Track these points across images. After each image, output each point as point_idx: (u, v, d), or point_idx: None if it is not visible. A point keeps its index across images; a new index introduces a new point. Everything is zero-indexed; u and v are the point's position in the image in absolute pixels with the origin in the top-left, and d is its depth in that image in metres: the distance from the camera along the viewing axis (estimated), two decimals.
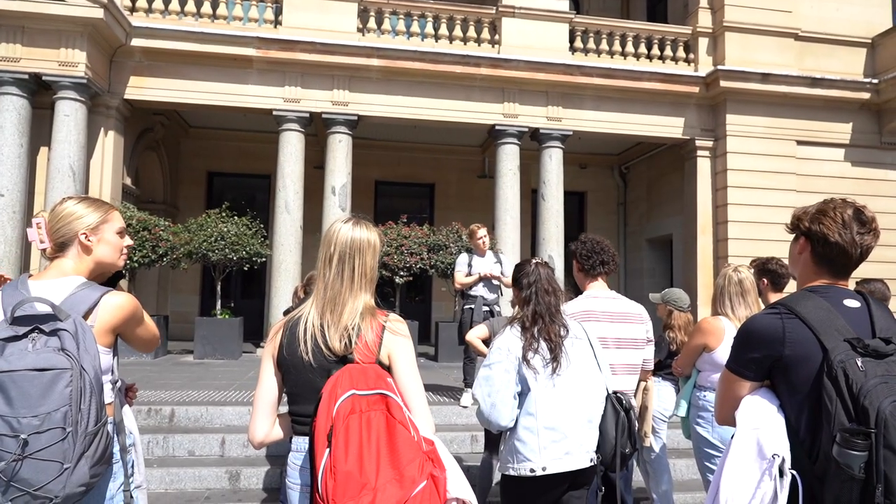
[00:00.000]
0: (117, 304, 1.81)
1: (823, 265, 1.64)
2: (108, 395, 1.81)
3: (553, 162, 10.79)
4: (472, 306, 6.23)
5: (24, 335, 1.63)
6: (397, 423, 1.55)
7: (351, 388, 1.56)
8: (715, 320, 3.23)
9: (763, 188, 10.73)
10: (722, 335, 3.15)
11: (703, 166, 11.11)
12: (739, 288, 3.22)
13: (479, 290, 6.33)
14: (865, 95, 10.96)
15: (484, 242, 6.35)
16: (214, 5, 9.99)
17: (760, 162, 10.79)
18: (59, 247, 1.85)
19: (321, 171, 10.56)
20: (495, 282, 6.34)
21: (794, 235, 1.73)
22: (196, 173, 13.30)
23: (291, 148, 10.08)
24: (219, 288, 9.73)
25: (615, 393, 2.47)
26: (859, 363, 1.42)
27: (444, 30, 10.55)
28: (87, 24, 8.65)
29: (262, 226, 9.85)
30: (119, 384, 1.91)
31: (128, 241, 2.01)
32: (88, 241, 1.88)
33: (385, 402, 1.58)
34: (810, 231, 1.65)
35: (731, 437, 1.59)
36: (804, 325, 1.51)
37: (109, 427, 1.78)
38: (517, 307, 2.65)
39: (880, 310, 1.57)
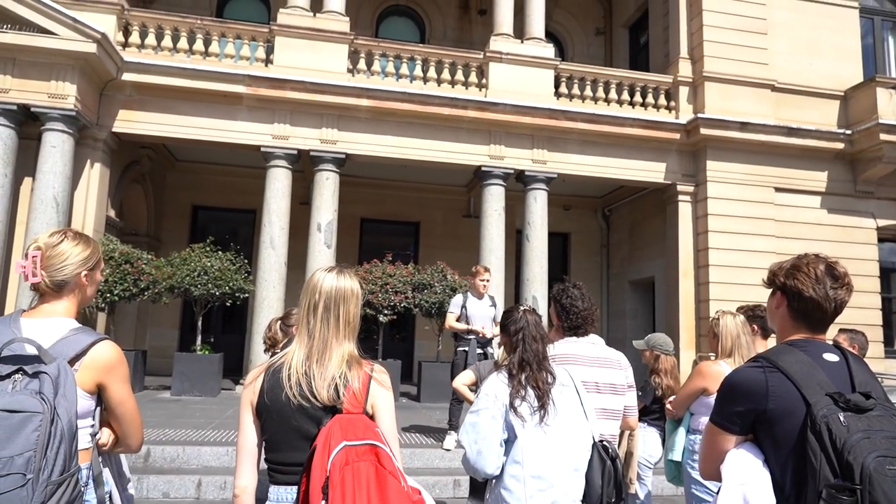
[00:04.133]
0: (106, 353, 1.78)
1: (800, 319, 1.68)
2: (86, 441, 1.76)
3: (538, 204, 10.93)
4: (466, 348, 6.17)
5: (7, 376, 1.60)
6: (388, 474, 1.56)
7: (343, 440, 1.56)
8: (715, 364, 3.27)
9: (743, 233, 10.95)
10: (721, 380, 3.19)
11: (685, 211, 11.32)
12: (748, 329, 3.30)
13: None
14: (840, 145, 11.31)
15: (485, 285, 6.35)
16: (207, 43, 10.12)
17: (740, 207, 11.03)
18: (57, 286, 1.81)
19: (307, 206, 10.58)
20: (488, 333, 6.27)
21: (771, 290, 1.77)
22: (181, 207, 13.25)
23: (279, 184, 10.11)
24: (199, 323, 9.61)
25: (601, 441, 2.47)
26: (842, 418, 1.43)
27: (432, 73, 10.77)
28: (80, 58, 8.72)
29: (245, 261, 9.80)
30: (98, 435, 1.84)
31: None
32: (85, 281, 1.87)
33: (375, 453, 1.58)
34: (785, 286, 1.69)
35: (717, 492, 1.60)
36: (787, 378, 1.53)
37: (84, 473, 1.73)
38: (503, 349, 2.66)
39: (858, 364, 1.61)
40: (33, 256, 1.78)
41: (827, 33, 11.87)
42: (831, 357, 1.61)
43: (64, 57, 8.67)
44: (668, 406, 3.60)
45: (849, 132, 11.29)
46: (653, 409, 4.49)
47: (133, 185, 11.73)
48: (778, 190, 11.27)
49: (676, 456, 3.45)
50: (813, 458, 1.43)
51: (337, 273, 1.85)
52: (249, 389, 1.77)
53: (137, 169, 11.51)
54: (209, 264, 9.13)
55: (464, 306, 6.35)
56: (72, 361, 1.70)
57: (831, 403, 1.46)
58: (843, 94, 11.65)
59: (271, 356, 4.87)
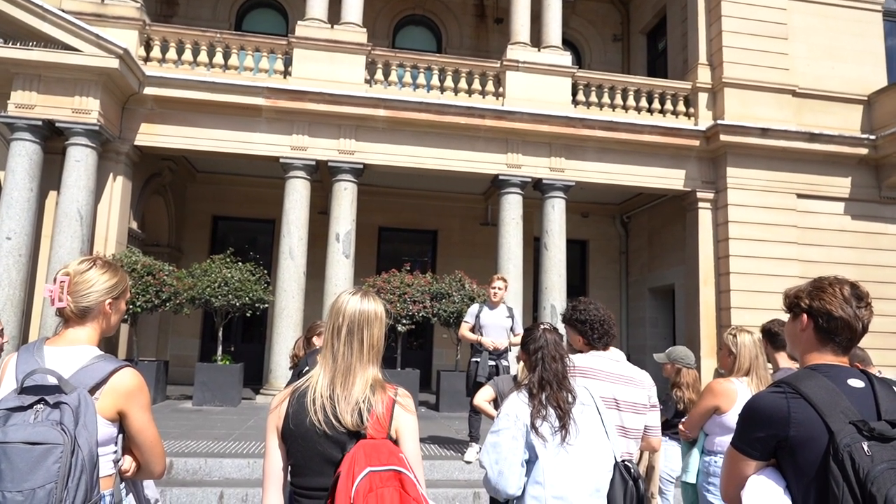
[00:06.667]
0: (126, 380, 1.79)
1: (827, 342, 1.64)
2: (108, 468, 1.77)
3: (556, 212, 10.89)
4: (479, 360, 6.16)
5: (29, 406, 1.61)
6: (412, 500, 1.56)
7: (367, 466, 1.56)
8: (726, 382, 3.22)
9: (765, 240, 10.80)
10: (735, 397, 3.14)
11: (705, 218, 11.21)
12: (763, 347, 3.27)
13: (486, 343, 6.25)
14: (863, 151, 11.13)
15: (495, 293, 6.31)
16: (226, 56, 10.26)
17: (761, 214, 10.89)
18: (81, 312, 1.83)
19: (325, 216, 10.65)
20: (502, 345, 6.24)
21: (791, 315, 1.73)
22: (201, 217, 13.42)
23: (297, 195, 10.20)
24: (220, 333, 9.70)
25: (623, 461, 2.44)
26: (865, 447, 1.40)
27: (449, 82, 10.80)
28: (103, 74, 8.88)
29: (265, 272, 9.87)
30: (121, 462, 1.85)
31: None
32: (109, 309, 1.89)
33: (399, 479, 1.58)
34: (812, 308, 1.65)
35: None
36: (809, 405, 1.50)
37: (107, 500, 1.74)
38: (521, 365, 2.64)
39: (885, 390, 1.56)
40: (61, 282, 1.81)
41: (849, 37, 11.71)
42: (856, 383, 1.57)
43: (87, 73, 8.84)
44: (680, 427, 3.53)
45: (873, 137, 11.11)
46: (674, 423, 4.43)
47: (154, 197, 11.90)
48: (800, 196, 11.11)
49: (691, 478, 3.39)
50: (835, 487, 1.40)
51: (361, 296, 1.84)
52: (275, 414, 1.77)
53: (159, 181, 11.68)
54: (229, 275, 9.21)
55: (478, 316, 6.32)
56: (93, 390, 1.71)
57: (855, 432, 1.43)
58: (866, 98, 11.48)
59: (293, 371, 4.87)
